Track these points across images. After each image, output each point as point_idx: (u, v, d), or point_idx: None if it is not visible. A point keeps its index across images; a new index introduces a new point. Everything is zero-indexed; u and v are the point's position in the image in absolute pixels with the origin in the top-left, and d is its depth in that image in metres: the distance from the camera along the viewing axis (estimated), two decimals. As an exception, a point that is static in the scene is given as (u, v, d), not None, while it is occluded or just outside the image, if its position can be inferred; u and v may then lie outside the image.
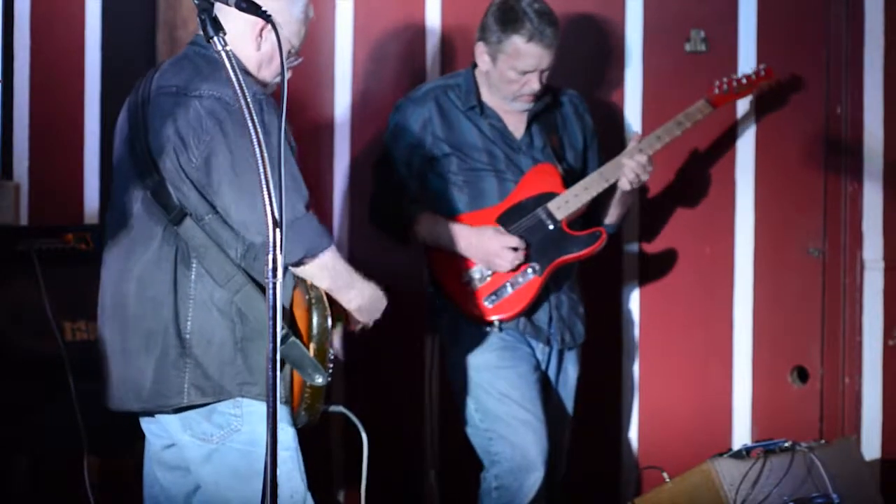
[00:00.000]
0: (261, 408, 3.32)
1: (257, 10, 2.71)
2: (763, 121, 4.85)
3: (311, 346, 3.33)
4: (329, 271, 3.40)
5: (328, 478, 4.92)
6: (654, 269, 4.97)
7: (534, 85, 4.36)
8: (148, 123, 3.37)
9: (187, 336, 3.33)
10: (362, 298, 3.49)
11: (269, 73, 3.48)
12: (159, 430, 3.49)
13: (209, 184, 3.30)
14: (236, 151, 3.27)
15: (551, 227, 4.39)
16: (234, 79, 2.62)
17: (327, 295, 3.39)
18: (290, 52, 3.47)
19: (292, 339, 3.32)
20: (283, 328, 3.28)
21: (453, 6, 4.97)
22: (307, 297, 3.35)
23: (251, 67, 3.43)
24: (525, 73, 4.34)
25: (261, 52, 3.44)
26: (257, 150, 2.58)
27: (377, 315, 3.56)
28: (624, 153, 4.44)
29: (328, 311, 3.35)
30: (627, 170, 4.38)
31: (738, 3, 4.85)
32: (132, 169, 3.40)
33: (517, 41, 4.30)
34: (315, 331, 3.33)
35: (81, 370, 3.80)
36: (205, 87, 3.32)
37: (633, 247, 4.97)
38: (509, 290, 4.36)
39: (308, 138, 4.98)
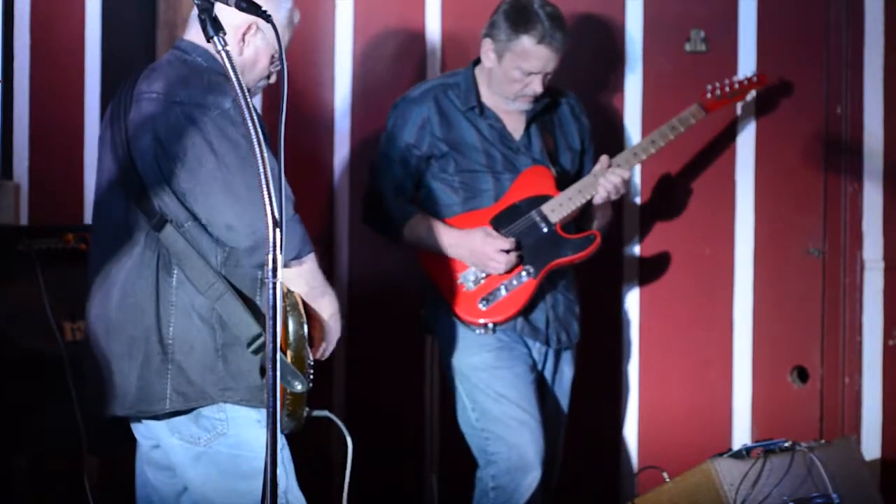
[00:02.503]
0: (244, 412, 3.34)
1: (257, 10, 2.71)
2: (763, 121, 4.84)
3: (289, 352, 3.29)
4: (310, 275, 3.38)
5: (327, 480, 4.91)
6: (654, 268, 4.97)
7: (536, 87, 4.36)
8: (129, 129, 3.36)
9: (170, 342, 3.32)
10: (335, 305, 3.47)
11: (251, 79, 3.47)
12: (146, 432, 3.49)
13: (192, 190, 3.28)
14: (222, 156, 3.25)
15: (545, 229, 4.39)
16: (233, 78, 2.62)
17: (304, 303, 3.38)
18: (273, 56, 3.46)
19: None
20: (260, 335, 3.28)
21: (453, 6, 4.98)
22: (283, 304, 3.32)
23: None
24: (530, 73, 4.33)
25: (243, 57, 3.43)
26: (257, 149, 2.58)
27: (340, 330, 3.50)
28: (598, 167, 4.42)
29: (304, 318, 3.32)
30: (601, 188, 4.36)
31: (738, 3, 4.85)
32: (115, 174, 3.39)
33: (527, 42, 4.30)
34: (292, 337, 3.30)
35: (81, 370, 3.80)
36: (185, 94, 3.30)
37: (633, 247, 4.97)
38: (503, 292, 4.35)
39: (307, 137, 4.98)
